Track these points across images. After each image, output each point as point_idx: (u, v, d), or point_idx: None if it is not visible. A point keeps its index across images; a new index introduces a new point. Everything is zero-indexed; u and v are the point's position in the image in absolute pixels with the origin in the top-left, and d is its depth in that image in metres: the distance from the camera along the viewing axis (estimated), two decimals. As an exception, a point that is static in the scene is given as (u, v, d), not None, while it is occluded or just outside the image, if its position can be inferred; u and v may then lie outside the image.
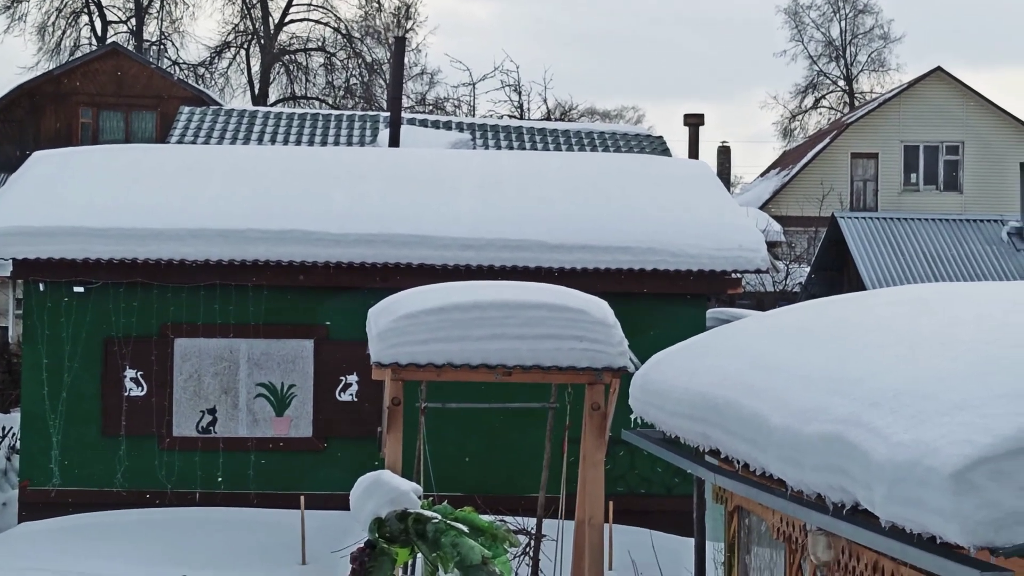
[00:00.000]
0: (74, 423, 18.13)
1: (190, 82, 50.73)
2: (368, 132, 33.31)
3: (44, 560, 15.43)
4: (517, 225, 18.34)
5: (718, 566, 11.71)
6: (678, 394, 7.86)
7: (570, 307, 10.92)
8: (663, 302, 18.36)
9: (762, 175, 54.84)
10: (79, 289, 18.06)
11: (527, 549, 15.10)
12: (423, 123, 34.93)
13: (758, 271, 18.40)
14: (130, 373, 18.16)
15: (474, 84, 54.72)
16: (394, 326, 10.81)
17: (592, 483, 11.18)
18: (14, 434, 21.35)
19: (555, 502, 13.88)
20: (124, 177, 19.17)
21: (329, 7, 59.08)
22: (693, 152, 35.62)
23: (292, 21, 59.10)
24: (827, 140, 48.95)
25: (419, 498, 7.71)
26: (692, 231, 18.39)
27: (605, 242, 18.23)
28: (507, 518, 14.66)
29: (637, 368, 9.20)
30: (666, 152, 33.01)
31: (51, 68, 49.56)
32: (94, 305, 18.18)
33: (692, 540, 10.28)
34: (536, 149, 32.45)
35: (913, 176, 48.12)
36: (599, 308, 11.16)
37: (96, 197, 18.53)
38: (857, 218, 34.27)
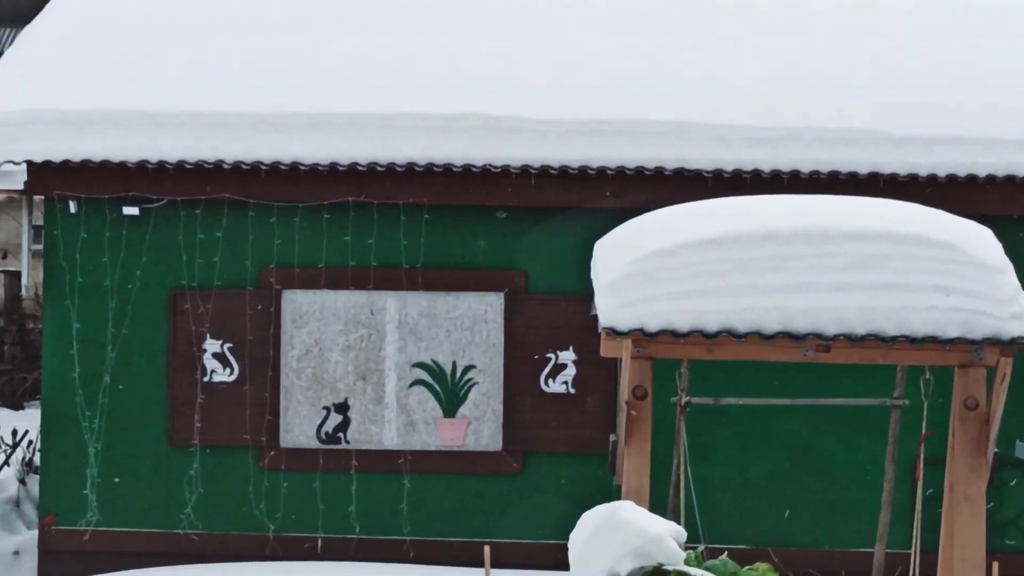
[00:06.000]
0: (123, 426, 14.91)
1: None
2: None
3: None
4: (837, 101, 14.22)
5: None
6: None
7: (930, 239, 9.01)
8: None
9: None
10: (132, 210, 14.67)
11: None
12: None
13: None
14: (212, 346, 14.91)
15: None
16: (636, 269, 9.13)
17: (966, 530, 9.61)
18: (31, 442, 17.32)
19: (902, 561, 12.72)
20: (195, 27, 15.40)
21: None
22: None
23: None
24: None
25: (680, 548, 6.96)
26: None
27: (987, 133, 14.06)
28: (822, 587, 14.76)
29: (1046, 342, 7.65)
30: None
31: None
32: (155, 236, 14.68)
33: None
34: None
35: None
36: (978, 241, 9.21)
37: (153, 61, 14.84)
38: None
